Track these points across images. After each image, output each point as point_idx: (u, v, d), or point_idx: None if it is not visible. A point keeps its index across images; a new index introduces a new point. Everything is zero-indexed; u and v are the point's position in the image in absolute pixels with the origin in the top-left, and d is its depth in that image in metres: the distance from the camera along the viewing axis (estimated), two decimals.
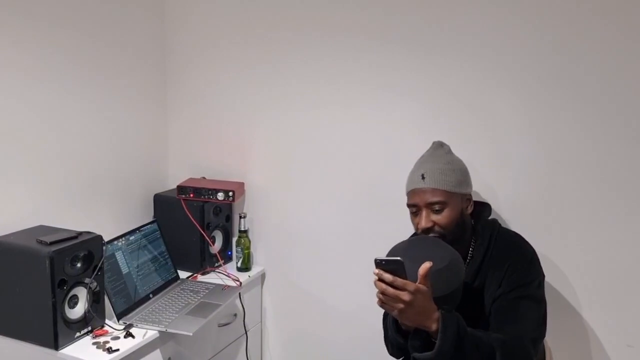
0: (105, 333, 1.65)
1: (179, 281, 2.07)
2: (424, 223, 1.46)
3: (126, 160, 2.19)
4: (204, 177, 2.32)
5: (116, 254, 1.81)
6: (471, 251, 1.51)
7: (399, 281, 1.22)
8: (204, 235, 2.13)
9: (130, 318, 1.75)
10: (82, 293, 1.61)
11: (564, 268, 1.75)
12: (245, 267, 2.22)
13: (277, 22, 2.09)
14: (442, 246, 1.39)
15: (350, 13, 1.95)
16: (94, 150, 2.03)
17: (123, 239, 1.86)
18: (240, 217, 2.22)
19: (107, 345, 1.57)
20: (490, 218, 1.57)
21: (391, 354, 1.55)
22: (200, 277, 2.13)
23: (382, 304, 1.27)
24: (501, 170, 1.80)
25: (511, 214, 1.80)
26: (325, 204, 2.13)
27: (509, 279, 1.41)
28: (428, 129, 1.89)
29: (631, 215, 1.65)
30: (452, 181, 1.46)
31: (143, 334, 1.67)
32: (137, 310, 1.81)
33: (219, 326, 2.02)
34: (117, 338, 1.63)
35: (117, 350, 1.56)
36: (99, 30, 2.01)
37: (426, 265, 1.23)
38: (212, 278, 2.12)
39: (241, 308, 2.13)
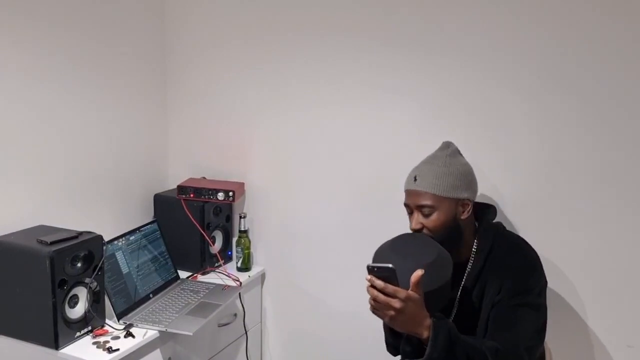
0: (106, 333, 1.65)
1: (179, 281, 2.07)
2: (413, 224, 1.47)
3: (126, 160, 2.19)
4: (204, 177, 2.32)
5: (116, 253, 1.81)
6: (473, 254, 1.49)
7: (390, 288, 1.22)
8: (204, 235, 2.13)
9: (130, 318, 1.75)
10: (82, 293, 1.61)
11: (564, 268, 1.75)
12: (245, 267, 2.22)
13: (277, 22, 2.09)
14: (429, 242, 1.39)
15: (350, 13, 1.95)
16: (94, 150, 2.03)
17: (123, 239, 1.86)
18: (241, 217, 2.22)
19: (107, 345, 1.57)
20: (494, 221, 1.55)
21: (389, 352, 1.56)
22: (200, 277, 2.13)
23: (373, 310, 1.28)
24: (501, 171, 1.80)
25: (511, 214, 1.80)
26: (326, 204, 2.13)
27: (509, 285, 1.39)
28: (428, 129, 1.89)
29: (631, 216, 1.65)
30: (444, 185, 1.43)
31: (143, 333, 1.67)
32: (137, 310, 1.81)
33: (219, 326, 2.02)
34: (117, 338, 1.63)
35: (117, 350, 1.56)
36: (99, 30, 2.01)
37: (418, 273, 1.23)
38: (212, 278, 2.12)
39: (241, 308, 2.13)
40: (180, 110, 2.37)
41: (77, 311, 1.60)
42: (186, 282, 2.07)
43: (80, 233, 1.63)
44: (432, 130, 1.88)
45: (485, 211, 1.56)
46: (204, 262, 2.17)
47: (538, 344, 1.38)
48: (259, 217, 2.28)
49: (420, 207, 1.44)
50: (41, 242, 1.54)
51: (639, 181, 1.63)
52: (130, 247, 1.89)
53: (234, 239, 2.27)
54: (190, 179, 2.28)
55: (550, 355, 1.67)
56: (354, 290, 2.11)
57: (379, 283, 1.23)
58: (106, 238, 1.71)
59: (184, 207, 2.12)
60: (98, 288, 1.65)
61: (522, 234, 1.58)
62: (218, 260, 2.22)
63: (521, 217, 1.78)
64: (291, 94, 2.12)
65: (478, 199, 1.58)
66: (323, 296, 2.20)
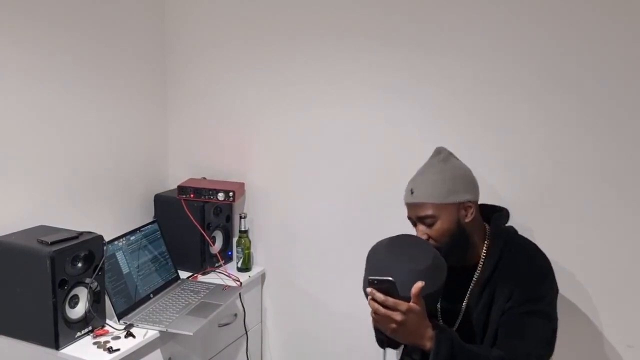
0: (106, 333, 1.65)
1: (179, 281, 2.07)
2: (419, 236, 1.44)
3: (127, 161, 2.19)
4: (204, 178, 2.32)
5: (117, 254, 1.81)
6: (482, 259, 1.46)
7: (391, 301, 1.22)
8: (204, 236, 2.13)
9: (130, 318, 1.75)
10: (82, 293, 1.61)
11: (564, 268, 1.75)
12: (245, 267, 2.22)
13: (277, 22, 2.09)
14: (425, 246, 1.38)
15: (350, 13, 1.96)
16: (95, 150, 2.03)
17: (124, 239, 1.86)
18: (241, 218, 2.22)
19: (108, 345, 1.57)
20: (506, 225, 1.51)
21: (378, 343, 1.58)
22: (200, 277, 2.13)
23: (375, 323, 1.27)
24: (501, 171, 1.80)
25: (510, 213, 1.80)
26: (326, 204, 2.13)
27: (519, 293, 1.36)
28: (428, 129, 1.90)
29: (631, 216, 1.66)
30: (440, 192, 1.40)
31: (143, 333, 1.67)
32: (137, 310, 1.81)
33: (219, 326, 2.02)
34: (117, 338, 1.63)
35: (118, 350, 1.56)
36: (99, 30, 2.01)
37: (419, 285, 1.22)
38: (212, 278, 2.12)
39: (241, 308, 2.13)
40: (180, 110, 2.37)
41: (77, 311, 1.60)
42: (186, 282, 2.07)
43: (81, 233, 1.63)
44: (432, 130, 1.89)
45: (497, 214, 1.52)
46: (204, 262, 2.17)
47: (548, 353, 1.36)
48: (259, 217, 2.28)
49: (422, 219, 1.43)
50: (42, 242, 1.54)
51: (638, 181, 1.63)
52: (131, 247, 1.89)
53: (234, 239, 2.27)
54: (191, 179, 2.28)
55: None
56: (354, 290, 2.10)
57: (379, 296, 1.23)
58: (106, 238, 1.71)
59: (184, 207, 2.12)
60: (98, 288, 1.65)
61: (522, 233, 1.58)
62: (218, 261, 2.22)
63: (520, 217, 1.78)
64: (291, 94, 2.12)
65: (485, 200, 1.56)
66: (323, 296, 2.20)
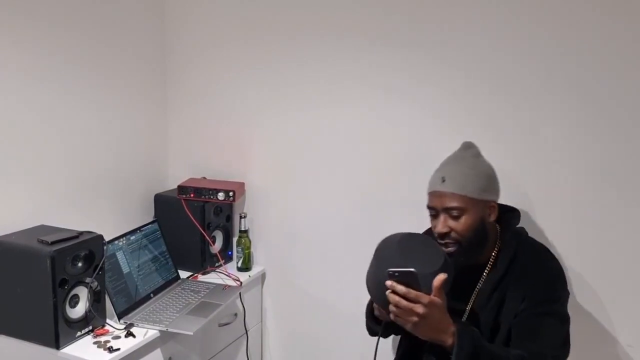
0: (106, 332, 1.66)
1: (179, 281, 2.08)
2: (440, 227, 1.40)
3: (127, 160, 2.19)
4: (204, 177, 2.33)
5: (117, 253, 1.81)
6: (493, 259, 1.44)
7: (413, 293, 1.19)
8: (204, 235, 2.13)
9: (131, 317, 1.75)
10: (83, 292, 1.61)
11: (565, 267, 1.75)
12: (245, 267, 2.22)
13: (278, 22, 2.10)
14: (435, 247, 1.36)
15: (350, 13, 1.96)
16: (95, 150, 2.03)
17: (124, 238, 1.86)
18: (241, 217, 2.22)
19: (108, 345, 1.58)
20: (518, 226, 1.50)
21: (368, 332, 1.59)
22: (200, 277, 2.13)
23: (395, 317, 1.24)
24: (501, 170, 1.80)
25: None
26: (326, 203, 2.13)
27: (533, 295, 1.35)
28: (428, 130, 1.90)
29: (631, 216, 1.66)
30: (473, 187, 1.38)
31: (144, 333, 1.67)
32: (137, 309, 1.81)
33: (219, 326, 2.02)
34: (117, 337, 1.63)
35: (118, 349, 1.56)
36: (99, 30, 2.01)
37: (441, 277, 1.20)
38: (212, 278, 2.13)
39: (241, 308, 2.13)
40: (180, 110, 2.37)
41: (77, 311, 1.60)
42: (186, 282, 2.07)
43: (81, 233, 1.64)
44: (432, 130, 1.89)
45: (510, 215, 1.51)
46: (205, 262, 2.17)
47: (564, 354, 1.35)
48: (259, 217, 2.29)
49: (448, 210, 1.38)
50: (42, 242, 1.54)
51: (638, 180, 1.63)
52: (131, 247, 1.89)
53: (234, 239, 2.27)
54: (191, 179, 2.28)
55: None
56: (354, 290, 2.10)
57: (401, 288, 1.20)
58: (107, 238, 1.71)
59: (185, 207, 2.12)
60: (99, 288, 1.65)
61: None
62: (218, 260, 2.22)
63: (521, 217, 1.78)
64: (291, 94, 2.13)
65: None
66: (323, 296, 2.20)
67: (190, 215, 2.11)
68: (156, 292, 1.94)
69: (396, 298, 1.21)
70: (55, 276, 1.50)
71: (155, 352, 1.71)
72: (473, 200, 1.38)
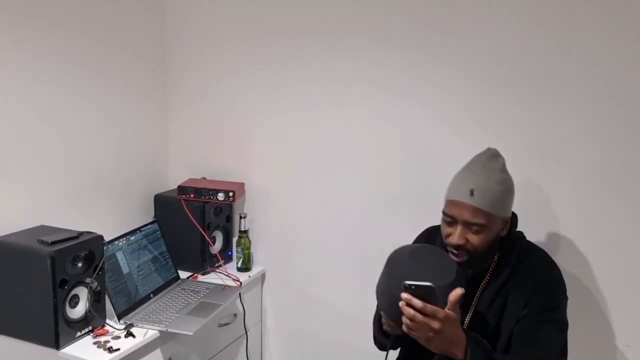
0: (106, 333, 1.66)
1: (179, 281, 2.08)
2: (457, 239, 1.35)
3: (127, 161, 2.19)
4: (204, 178, 2.33)
5: (117, 254, 1.81)
6: (494, 266, 1.42)
7: (430, 308, 1.17)
8: (204, 236, 2.13)
9: (130, 318, 1.76)
10: (83, 293, 1.61)
11: (563, 268, 1.75)
12: (245, 267, 2.22)
13: (278, 22, 2.10)
14: (447, 259, 1.33)
15: (350, 13, 1.96)
16: (95, 150, 2.03)
17: (124, 239, 1.86)
18: (241, 218, 2.22)
19: (108, 345, 1.58)
20: (517, 230, 1.48)
21: (376, 346, 1.57)
22: (200, 277, 2.13)
23: (409, 330, 1.22)
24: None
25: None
26: (326, 204, 2.13)
27: (535, 301, 1.35)
28: (428, 130, 1.90)
29: (631, 216, 1.66)
30: (500, 205, 1.34)
31: (144, 333, 1.67)
32: (137, 310, 1.82)
33: (219, 326, 2.02)
34: (117, 337, 1.63)
35: (118, 349, 1.56)
36: (99, 30, 2.01)
37: (458, 292, 1.18)
38: (212, 278, 2.13)
39: (241, 308, 2.13)
40: (180, 110, 2.37)
41: (77, 311, 1.61)
42: (186, 282, 2.08)
43: (81, 233, 1.64)
44: (432, 131, 1.89)
45: (512, 219, 1.47)
46: (204, 262, 2.17)
47: None
48: (259, 217, 2.29)
49: (470, 224, 1.33)
50: (42, 242, 1.54)
51: (637, 180, 1.64)
52: (131, 247, 1.89)
53: (234, 239, 2.27)
54: (191, 179, 2.28)
55: None
56: (354, 290, 2.11)
57: (417, 302, 1.17)
58: (107, 238, 1.71)
59: (184, 207, 2.12)
60: (99, 288, 1.65)
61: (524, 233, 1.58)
62: (218, 261, 2.22)
63: (520, 217, 1.78)
64: (291, 94, 2.13)
65: None
66: (323, 296, 2.20)
67: (190, 216, 2.11)
68: (156, 292, 1.94)
69: (411, 312, 1.18)
70: (56, 276, 1.50)
71: (155, 353, 1.71)
72: (496, 218, 1.35)
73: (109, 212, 2.11)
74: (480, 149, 1.82)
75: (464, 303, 1.40)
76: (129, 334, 1.65)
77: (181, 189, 2.15)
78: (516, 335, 1.35)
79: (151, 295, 1.91)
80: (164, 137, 2.40)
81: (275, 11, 2.09)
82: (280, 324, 2.33)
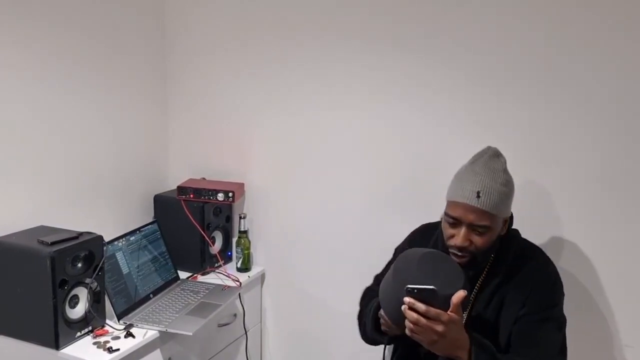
0: (106, 333, 1.66)
1: (179, 281, 2.08)
2: (460, 241, 1.34)
3: (127, 161, 2.19)
4: (204, 178, 2.33)
5: (117, 254, 1.81)
6: (490, 265, 1.42)
7: (433, 311, 1.16)
8: (204, 236, 2.13)
9: (130, 318, 1.76)
10: (82, 293, 1.62)
11: (562, 268, 1.75)
12: (245, 268, 2.22)
13: (277, 23, 2.10)
14: (455, 267, 1.32)
15: (350, 15, 1.96)
16: (95, 150, 2.03)
17: (123, 239, 1.86)
18: (240, 218, 2.23)
19: (108, 345, 1.58)
20: (512, 228, 1.47)
21: (365, 340, 1.57)
22: (200, 278, 2.13)
23: (412, 333, 1.21)
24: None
25: (515, 212, 1.80)
26: (325, 204, 2.13)
27: (533, 300, 1.35)
28: (428, 131, 1.90)
29: (631, 216, 1.66)
30: (504, 207, 1.35)
31: (143, 333, 1.68)
32: (137, 310, 1.82)
33: (218, 326, 2.02)
34: (117, 338, 1.64)
35: (118, 350, 1.57)
36: (99, 30, 2.01)
37: (461, 294, 1.18)
38: (212, 278, 2.13)
39: (241, 308, 2.13)
40: (180, 110, 2.37)
41: (77, 311, 1.61)
42: (186, 283, 2.08)
43: (81, 233, 1.64)
44: (433, 131, 1.89)
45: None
46: (204, 262, 2.17)
47: (564, 359, 1.37)
48: (258, 218, 2.29)
49: (475, 226, 1.33)
50: (42, 242, 1.55)
51: (637, 180, 1.64)
52: (131, 248, 1.89)
53: (234, 240, 2.28)
54: (190, 179, 2.29)
55: None
56: (354, 290, 2.11)
57: (420, 306, 1.17)
58: (106, 238, 1.71)
59: (184, 207, 2.12)
60: (98, 288, 1.65)
61: (524, 233, 1.57)
62: (218, 261, 2.22)
63: (519, 217, 1.78)
64: (291, 94, 2.13)
65: None
66: (323, 296, 2.20)
67: (190, 216, 2.11)
68: (156, 292, 1.94)
69: (415, 316, 1.18)
70: (55, 277, 1.50)
71: (154, 353, 1.71)
72: (499, 218, 1.35)
73: (109, 213, 2.11)
74: (480, 149, 1.82)
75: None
76: (129, 334, 1.65)
77: (181, 189, 2.15)
78: (515, 335, 1.36)
79: (151, 295, 1.91)
80: (164, 137, 2.40)
81: (275, 12, 2.10)
82: (280, 324, 2.33)
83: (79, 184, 1.97)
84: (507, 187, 1.35)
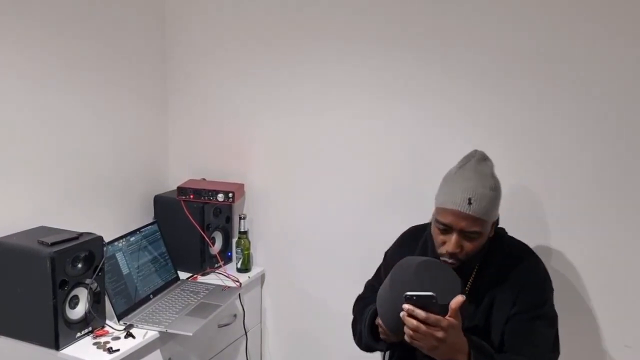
0: (106, 333, 1.66)
1: (179, 282, 2.08)
2: (453, 247, 1.33)
3: (127, 162, 2.20)
4: (204, 179, 2.33)
5: (117, 254, 1.81)
6: (478, 266, 1.42)
7: (432, 318, 1.17)
8: (204, 236, 2.13)
9: (130, 318, 1.76)
10: (82, 293, 1.62)
11: (563, 268, 1.76)
12: (245, 268, 2.22)
13: (278, 24, 2.10)
14: (453, 276, 1.31)
15: (350, 16, 1.96)
16: (95, 151, 2.04)
17: (124, 239, 1.86)
18: (240, 218, 2.23)
19: (108, 346, 1.58)
20: (498, 227, 1.47)
21: (358, 345, 1.57)
22: (200, 278, 2.14)
23: (412, 340, 1.21)
24: (501, 169, 1.80)
25: (509, 212, 1.80)
26: (325, 205, 2.13)
27: (523, 299, 1.36)
28: (429, 131, 1.90)
29: (631, 215, 1.66)
30: (494, 212, 1.34)
31: (143, 334, 1.68)
32: (137, 310, 1.82)
33: (218, 327, 2.02)
34: (117, 338, 1.64)
35: (118, 350, 1.57)
36: (99, 32, 2.01)
37: (459, 299, 1.18)
38: (212, 279, 2.13)
39: (241, 309, 2.13)
40: (181, 110, 2.38)
41: (77, 312, 1.61)
42: (186, 283, 2.08)
43: (81, 234, 1.64)
44: (432, 132, 1.89)
45: None
46: (204, 263, 2.17)
47: (556, 356, 1.38)
48: (258, 218, 2.29)
49: (467, 233, 1.32)
50: (42, 243, 1.55)
51: (637, 180, 1.64)
52: (131, 248, 1.89)
53: (234, 240, 2.28)
54: (190, 180, 2.29)
55: None
56: (354, 290, 2.11)
57: (420, 313, 1.17)
58: (107, 239, 1.72)
59: (184, 208, 2.12)
60: (98, 289, 1.65)
61: (520, 234, 1.58)
62: (218, 261, 2.22)
63: (519, 217, 1.79)
64: (291, 95, 2.13)
65: None
66: (323, 297, 2.20)
67: (190, 217, 2.11)
68: (156, 293, 1.94)
69: (415, 323, 1.18)
70: (55, 277, 1.51)
71: (154, 353, 1.71)
72: (489, 223, 1.35)
73: (109, 213, 2.11)
74: (480, 149, 1.82)
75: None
76: (129, 335, 1.66)
77: (181, 189, 2.15)
78: (508, 334, 1.36)
79: (151, 296, 1.91)
80: (164, 137, 2.41)
81: (275, 14, 2.10)
82: (280, 324, 2.33)
83: (79, 185, 1.97)
84: (495, 192, 1.35)
